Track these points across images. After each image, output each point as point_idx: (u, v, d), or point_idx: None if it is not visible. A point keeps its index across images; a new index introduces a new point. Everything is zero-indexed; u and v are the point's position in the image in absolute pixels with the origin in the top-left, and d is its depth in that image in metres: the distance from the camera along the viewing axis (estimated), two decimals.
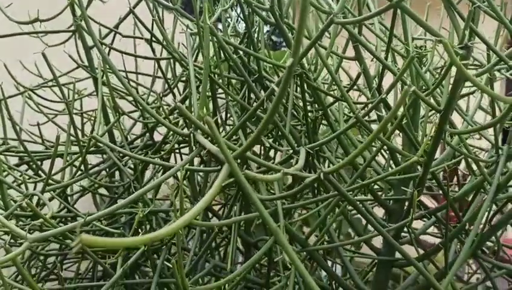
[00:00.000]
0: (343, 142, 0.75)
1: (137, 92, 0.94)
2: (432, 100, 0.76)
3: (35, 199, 0.81)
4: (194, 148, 0.63)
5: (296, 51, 0.36)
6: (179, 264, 0.53)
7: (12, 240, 0.75)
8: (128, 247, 0.70)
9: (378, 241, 0.89)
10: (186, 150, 1.04)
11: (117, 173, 1.02)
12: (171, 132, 0.91)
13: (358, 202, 0.69)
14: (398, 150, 0.64)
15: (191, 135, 0.62)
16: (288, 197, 0.63)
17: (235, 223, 0.73)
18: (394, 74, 0.66)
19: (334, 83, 0.86)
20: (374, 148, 0.86)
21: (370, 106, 0.67)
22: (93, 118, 1.05)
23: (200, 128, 0.51)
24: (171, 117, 0.90)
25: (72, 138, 0.87)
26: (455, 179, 1.07)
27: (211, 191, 0.42)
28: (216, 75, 0.83)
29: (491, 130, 0.83)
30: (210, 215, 0.95)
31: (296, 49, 0.35)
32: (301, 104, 0.79)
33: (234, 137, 0.82)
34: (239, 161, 0.74)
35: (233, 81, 0.96)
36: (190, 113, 0.54)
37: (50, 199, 0.80)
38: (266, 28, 1.11)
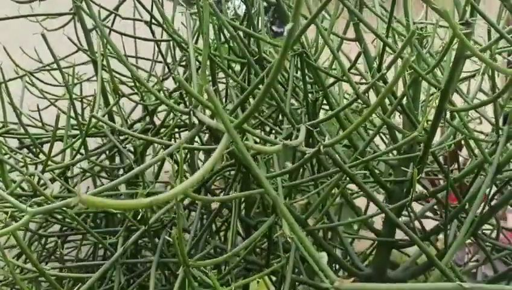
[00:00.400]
0: (343, 123, 0.75)
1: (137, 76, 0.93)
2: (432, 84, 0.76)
3: (35, 182, 0.81)
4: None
5: (296, 15, 0.36)
6: (179, 238, 0.53)
7: (13, 223, 0.75)
8: (127, 209, 0.70)
9: (378, 227, 0.90)
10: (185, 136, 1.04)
11: (117, 159, 1.02)
12: (171, 115, 0.91)
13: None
14: (397, 128, 0.64)
15: (191, 112, 0.62)
16: (289, 173, 0.63)
17: (235, 200, 0.73)
18: (394, 51, 0.66)
19: (334, 65, 0.86)
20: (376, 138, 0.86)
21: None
22: (93, 103, 1.05)
23: (199, 100, 0.51)
24: (171, 102, 0.90)
25: (72, 121, 0.87)
26: (456, 165, 1.07)
27: (211, 159, 0.42)
28: (216, 57, 0.83)
29: (492, 114, 0.83)
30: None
31: (296, 11, 0.35)
32: (301, 85, 0.79)
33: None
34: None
35: (233, 66, 0.96)
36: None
37: (50, 180, 0.80)
38: (265, 18, 1.10)
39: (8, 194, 0.66)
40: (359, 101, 1.10)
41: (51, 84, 1.05)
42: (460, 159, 1.12)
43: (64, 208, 0.69)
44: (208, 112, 0.68)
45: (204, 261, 0.60)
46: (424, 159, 0.70)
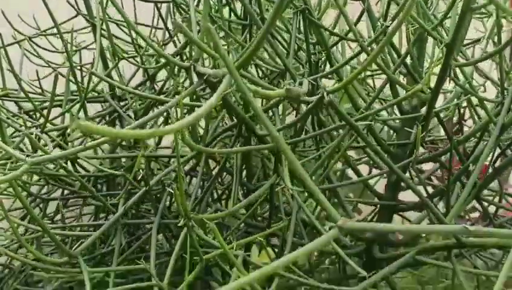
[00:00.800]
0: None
1: (137, 40, 0.92)
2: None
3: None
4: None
5: None
6: (180, 190, 0.52)
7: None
8: (125, 138, 0.69)
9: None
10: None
11: (117, 127, 1.01)
12: (171, 82, 0.90)
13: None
14: (400, 83, 0.63)
15: (192, 66, 0.61)
16: (291, 127, 0.63)
17: (236, 164, 0.73)
18: (399, 5, 0.65)
19: (337, 27, 0.85)
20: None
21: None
22: (91, 67, 1.04)
23: (201, 47, 0.50)
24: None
25: (72, 88, 0.86)
26: (460, 134, 1.06)
27: (210, 101, 0.41)
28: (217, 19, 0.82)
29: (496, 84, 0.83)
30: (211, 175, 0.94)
31: None
32: (304, 46, 0.77)
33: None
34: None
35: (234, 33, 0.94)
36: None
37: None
38: None
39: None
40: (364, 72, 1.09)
41: (49, 50, 1.04)
42: (465, 129, 1.12)
43: (65, 166, 0.69)
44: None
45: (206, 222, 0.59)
46: (428, 118, 0.69)
